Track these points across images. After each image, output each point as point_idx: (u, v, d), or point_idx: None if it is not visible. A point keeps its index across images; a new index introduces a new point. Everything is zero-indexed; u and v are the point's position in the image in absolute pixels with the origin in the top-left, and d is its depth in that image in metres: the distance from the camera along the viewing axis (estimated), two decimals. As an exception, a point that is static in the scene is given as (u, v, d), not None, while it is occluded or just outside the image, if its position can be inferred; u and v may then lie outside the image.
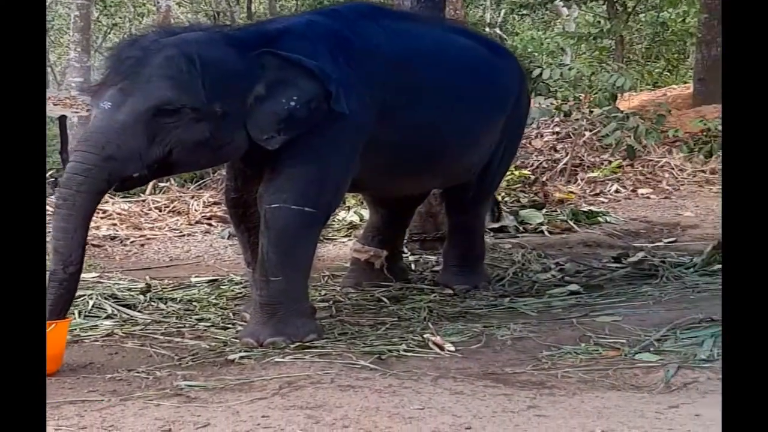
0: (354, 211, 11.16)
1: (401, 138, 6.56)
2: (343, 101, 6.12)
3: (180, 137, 5.86)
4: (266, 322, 6.12)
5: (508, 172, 11.64)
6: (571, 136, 15.50)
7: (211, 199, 12.69)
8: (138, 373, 5.42)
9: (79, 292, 7.11)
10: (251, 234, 6.63)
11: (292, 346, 5.95)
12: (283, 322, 6.11)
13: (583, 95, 14.07)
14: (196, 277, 8.34)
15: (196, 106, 5.86)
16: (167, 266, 9.31)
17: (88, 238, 10.26)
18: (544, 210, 11.27)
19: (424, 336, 6.15)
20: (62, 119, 15.87)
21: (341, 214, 11.13)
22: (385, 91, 6.46)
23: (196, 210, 12.17)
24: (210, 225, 11.64)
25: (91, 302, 7.05)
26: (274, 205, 6.12)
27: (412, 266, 8.52)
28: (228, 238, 10.78)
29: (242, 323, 6.54)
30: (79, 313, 6.77)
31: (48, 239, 5.44)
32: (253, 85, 6.01)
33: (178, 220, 11.83)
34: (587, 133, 15.29)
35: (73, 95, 16.64)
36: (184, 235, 11.06)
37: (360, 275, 7.82)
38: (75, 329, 6.22)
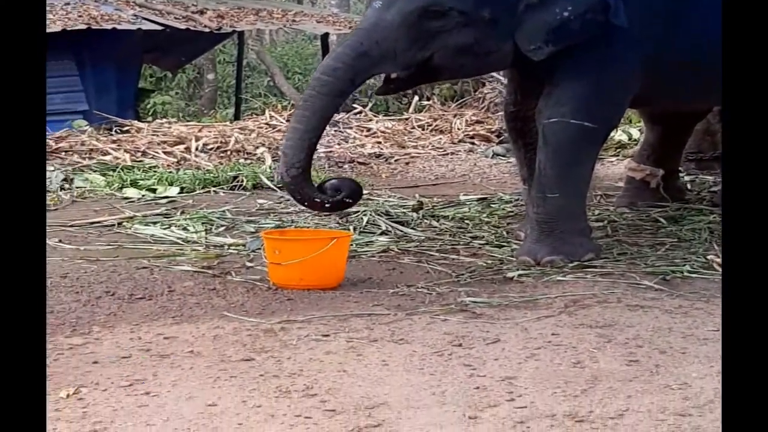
0: (622, 130, 10.88)
1: (684, 53, 6.29)
2: (622, 13, 5.89)
3: (444, 41, 5.78)
4: (543, 240, 6.00)
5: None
6: None
7: (473, 118, 12.63)
8: (419, 288, 5.41)
9: (353, 209, 7.22)
10: (528, 150, 6.50)
11: (570, 265, 5.83)
12: (561, 240, 5.98)
13: None
14: (464, 195, 8.29)
15: (465, 9, 5.77)
16: (434, 184, 9.32)
17: (355, 155, 10.50)
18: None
19: (708, 257, 5.94)
20: (324, 37, 16.09)
21: (608, 132, 10.87)
22: (666, 3, 6.20)
23: (458, 129, 12.14)
24: (473, 144, 11.60)
25: (365, 219, 7.10)
26: (553, 120, 5.97)
27: (688, 186, 8.24)
28: (492, 157, 10.72)
29: (517, 242, 6.45)
30: (354, 228, 6.82)
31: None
32: None
33: (441, 138, 11.83)
34: None
35: (335, 12, 16.80)
36: (447, 154, 11.05)
37: (635, 194, 7.61)
38: (352, 245, 6.26)
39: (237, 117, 15.01)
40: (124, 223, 7.04)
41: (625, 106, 6.43)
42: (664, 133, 7.57)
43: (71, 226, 6.94)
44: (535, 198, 6.08)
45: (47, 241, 6.32)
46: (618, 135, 10.79)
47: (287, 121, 11.79)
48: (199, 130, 10.89)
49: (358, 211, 7.25)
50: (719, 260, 5.82)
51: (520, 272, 5.72)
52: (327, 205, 5.82)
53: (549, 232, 6.00)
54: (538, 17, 5.84)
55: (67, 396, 3.74)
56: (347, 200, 5.84)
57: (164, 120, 12.16)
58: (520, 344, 4.37)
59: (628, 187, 7.71)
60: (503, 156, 10.60)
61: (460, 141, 11.72)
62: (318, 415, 3.60)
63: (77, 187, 8.37)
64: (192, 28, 14.02)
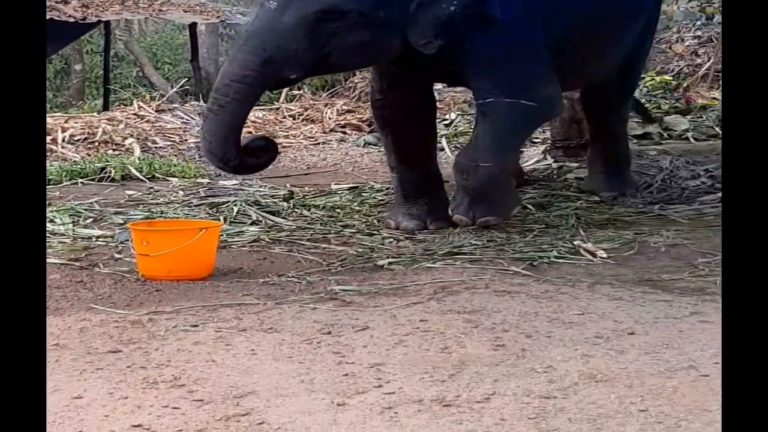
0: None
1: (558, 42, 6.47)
2: (497, 7, 6.11)
3: (341, 41, 5.95)
4: (475, 203, 6.38)
5: (649, 78, 11.38)
6: (714, 40, 15.03)
7: (344, 107, 12.66)
8: (289, 277, 5.41)
9: (222, 199, 7.19)
10: (396, 137, 6.62)
11: (440, 252, 5.89)
12: (491, 203, 6.40)
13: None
14: (335, 184, 8.31)
15: (363, 11, 5.90)
16: (305, 174, 9.32)
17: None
18: (689, 116, 10.98)
19: (575, 243, 6.05)
20: (192, 27, 15.94)
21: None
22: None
23: (329, 118, 12.15)
24: (344, 133, 11.62)
25: (235, 209, 7.07)
26: (489, 99, 6.30)
27: (555, 173, 8.38)
28: (363, 146, 10.75)
29: (389, 230, 6.50)
30: (225, 219, 6.79)
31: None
32: None
33: (312, 128, 11.84)
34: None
35: (203, 2, 16.66)
36: (319, 143, 11.06)
37: None
38: (222, 235, 6.23)
39: (106, 108, 14.80)
40: (-12, 216, 6.89)
41: (557, 84, 6.55)
42: None
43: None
44: (465, 166, 6.40)
45: None
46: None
47: (156, 111, 11.68)
48: (66, 121, 10.72)
49: (228, 201, 7.22)
50: (586, 245, 5.93)
51: (390, 260, 5.76)
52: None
53: (479, 197, 6.39)
54: (429, 13, 6.05)
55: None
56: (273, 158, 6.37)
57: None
58: (388, 331, 4.40)
59: None
60: (374, 145, 10.64)
61: (331, 130, 11.75)
62: (186, 405, 3.58)
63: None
64: (56, 18, 13.75)
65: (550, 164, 8.55)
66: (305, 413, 3.52)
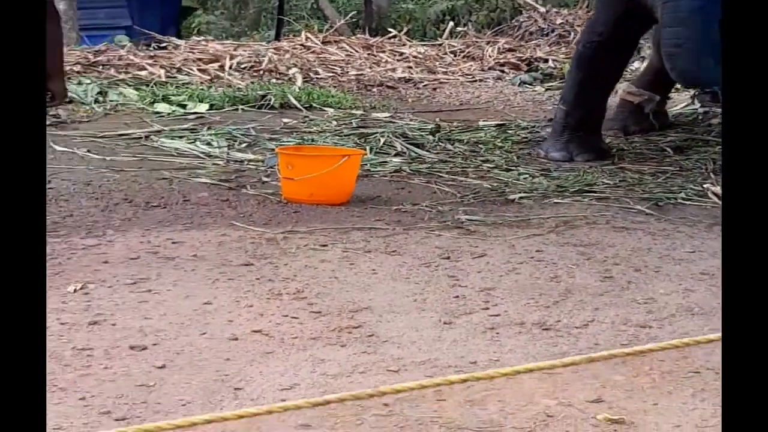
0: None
1: None
2: None
3: None
4: None
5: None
6: None
7: (506, 46, 12.77)
8: (422, 207, 5.68)
9: (369, 130, 7.48)
10: (589, 75, 7.18)
11: (571, 189, 6.09)
12: None
13: None
14: (484, 120, 8.51)
15: None
16: (457, 110, 9.52)
17: (385, 79, 10.71)
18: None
19: (704, 186, 6.15)
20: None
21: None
22: None
23: (489, 56, 12.29)
24: (502, 71, 11.76)
25: (382, 140, 7.34)
26: None
27: (700, 118, 8.42)
28: (519, 85, 10.89)
29: (524, 167, 6.74)
30: (371, 149, 7.07)
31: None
32: None
33: (471, 65, 12.00)
34: None
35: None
36: (475, 81, 11.23)
37: (628, 118, 7.85)
38: (366, 164, 6.52)
39: (278, 38, 15.21)
40: (152, 137, 7.33)
41: None
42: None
43: (101, 137, 7.24)
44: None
45: (76, 151, 6.66)
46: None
47: (323, 43, 12.02)
48: (234, 49, 11.13)
49: (375, 133, 7.50)
50: (715, 188, 6.03)
51: (521, 195, 5.97)
52: None
53: None
54: None
55: (74, 291, 4.06)
56: None
57: (201, 38, 12.40)
58: (504, 259, 4.64)
59: (621, 111, 7.93)
60: (530, 84, 10.79)
61: (490, 68, 11.88)
62: (304, 315, 3.90)
63: (111, 101, 8.65)
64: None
65: (697, 109, 8.58)
66: (413, 329, 3.79)
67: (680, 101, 8.90)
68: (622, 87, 8.23)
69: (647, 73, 7.96)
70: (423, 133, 7.73)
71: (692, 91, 9.03)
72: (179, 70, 10.21)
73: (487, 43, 13.00)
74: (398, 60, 11.75)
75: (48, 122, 6.99)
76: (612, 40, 6.93)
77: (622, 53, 7.13)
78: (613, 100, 8.43)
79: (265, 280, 4.29)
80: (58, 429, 2.93)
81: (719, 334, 2.23)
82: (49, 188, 5.59)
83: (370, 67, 11.21)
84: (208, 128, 7.65)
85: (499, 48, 12.63)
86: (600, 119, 7.20)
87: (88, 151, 6.78)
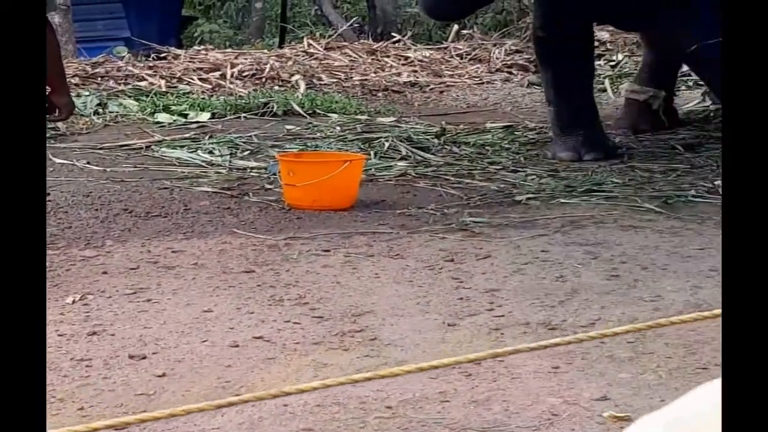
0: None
1: None
2: None
3: None
4: None
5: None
6: None
7: (513, 48, 12.70)
8: (427, 210, 5.61)
9: (374, 135, 7.43)
10: (555, 70, 7.03)
11: (579, 189, 6.03)
12: None
13: None
14: (491, 123, 8.44)
15: None
16: (464, 112, 9.45)
17: (390, 83, 10.66)
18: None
19: (715, 183, 6.08)
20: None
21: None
22: None
23: (497, 58, 12.22)
24: (510, 73, 11.68)
25: (386, 144, 7.28)
26: None
27: (711, 115, 8.35)
28: (527, 86, 10.83)
29: (532, 168, 6.67)
30: (375, 153, 7.01)
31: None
32: None
33: (478, 67, 11.92)
34: None
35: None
36: (483, 83, 11.15)
37: (636, 117, 7.76)
38: (370, 169, 6.46)
39: (281, 46, 15.18)
40: (153, 147, 7.28)
41: None
42: (663, 55, 7.74)
43: (101, 148, 7.18)
44: None
45: (75, 163, 6.61)
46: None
47: (325, 49, 11.97)
48: (236, 57, 11.08)
49: (380, 137, 7.45)
50: (725, 184, 5.96)
51: (529, 196, 5.91)
52: None
53: None
54: None
55: (73, 302, 4.01)
56: None
57: (201, 47, 12.34)
58: (509, 260, 4.58)
59: (629, 110, 7.85)
60: (538, 85, 10.69)
61: (497, 70, 11.80)
62: (306, 321, 3.85)
63: (110, 112, 8.60)
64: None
65: (708, 106, 8.51)
66: (416, 331, 3.74)
67: (692, 98, 8.84)
68: (624, 87, 8.18)
69: (644, 70, 7.91)
70: (428, 137, 7.67)
71: (703, 88, 8.97)
72: (180, 80, 10.15)
73: (494, 45, 12.91)
74: (403, 64, 11.68)
75: (47, 135, 6.94)
76: (558, 31, 6.86)
77: (577, 40, 7.00)
78: (619, 100, 8.41)
79: (267, 286, 4.23)
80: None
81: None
82: (48, 200, 5.54)
83: (375, 72, 11.14)
84: (210, 137, 7.59)
85: (506, 50, 12.55)
86: (593, 113, 7.09)
87: (88, 162, 6.72)
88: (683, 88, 9.00)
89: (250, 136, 7.62)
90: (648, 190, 5.99)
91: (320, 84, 10.36)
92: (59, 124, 7.28)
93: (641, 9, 6.82)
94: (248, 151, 7.17)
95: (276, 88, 9.99)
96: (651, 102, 7.68)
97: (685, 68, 8.74)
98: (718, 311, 2.36)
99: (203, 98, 9.10)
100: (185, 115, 8.46)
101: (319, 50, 11.82)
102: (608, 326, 3.75)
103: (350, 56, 11.73)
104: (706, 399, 1.33)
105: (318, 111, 8.81)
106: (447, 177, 6.47)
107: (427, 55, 12.19)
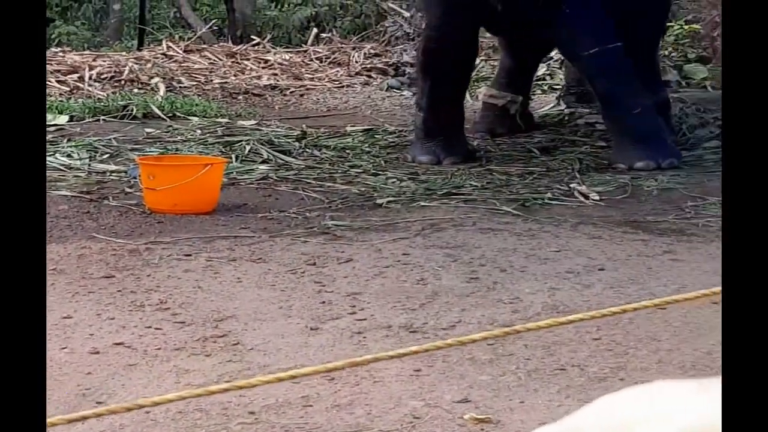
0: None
1: None
2: None
3: None
4: None
5: (677, 26, 11.43)
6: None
7: (371, 51, 12.78)
8: (289, 213, 5.62)
9: (235, 138, 7.40)
10: (436, 79, 7.17)
11: (439, 192, 6.10)
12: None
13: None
14: (351, 126, 8.48)
15: None
16: (324, 116, 9.49)
17: (250, 86, 10.64)
18: (709, 65, 11.03)
19: (570, 185, 6.22)
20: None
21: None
22: None
23: (356, 61, 12.28)
24: (369, 77, 11.76)
25: (248, 147, 7.26)
26: None
27: (566, 118, 8.52)
28: (386, 90, 10.90)
29: (393, 171, 6.72)
30: (236, 157, 6.99)
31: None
32: None
33: (338, 71, 11.98)
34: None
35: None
36: (343, 86, 11.21)
37: (494, 121, 7.91)
38: (232, 172, 6.44)
39: (140, 48, 15.00)
40: (9, 150, 7.12)
41: None
42: (520, 60, 7.90)
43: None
44: None
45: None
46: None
47: (185, 52, 11.88)
48: (94, 60, 10.93)
49: (241, 141, 7.43)
50: (580, 188, 6.10)
51: (389, 199, 5.96)
52: None
53: None
54: None
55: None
56: None
57: (59, 49, 12.14)
58: (370, 263, 4.61)
59: (487, 114, 7.99)
60: (397, 89, 10.80)
61: (356, 74, 11.87)
62: (168, 326, 3.82)
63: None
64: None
65: (563, 110, 8.69)
66: (279, 336, 3.74)
67: (547, 102, 9.01)
68: (482, 91, 8.31)
69: (502, 75, 8.06)
70: (289, 140, 7.68)
71: (558, 92, 9.16)
72: (38, 82, 9.96)
73: (353, 48, 12.99)
74: (263, 67, 11.67)
75: None
76: (448, 41, 6.96)
77: (462, 52, 7.13)
78: (476, 104, 8.53)
79: (127, 291, 4.20)
80: None
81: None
82: None
83: (235, 75, 11.11)
84: (68, 140, 7.48)
85: (365, 53, 12.63)
86: (460, 120, 7.21)
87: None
88: (538, 92, 9.17)
89: (110, 139, 7.54)
90: (506, 193, 6.10)
91: (180, 87, 10.29)
92: None
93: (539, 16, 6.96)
94: (108, 155, 7.09)
95: (135, 90, 9.89)
96: (509, 106, 7.82)
97: (539, 72, 8.96)
98: (573, 317, 2.43)
99: (61, 101, 8.96)
100: (42, 118, 8.30)
101: (178, 53, 11.74)
102: (468, 328, 3.82)
103: (210, 59, 11.67)
104: (608, 412, 1.35)
105: (178, 114, 8.75)
106: (308, 180, 6.49)
107: (287, 58, 12.20)
